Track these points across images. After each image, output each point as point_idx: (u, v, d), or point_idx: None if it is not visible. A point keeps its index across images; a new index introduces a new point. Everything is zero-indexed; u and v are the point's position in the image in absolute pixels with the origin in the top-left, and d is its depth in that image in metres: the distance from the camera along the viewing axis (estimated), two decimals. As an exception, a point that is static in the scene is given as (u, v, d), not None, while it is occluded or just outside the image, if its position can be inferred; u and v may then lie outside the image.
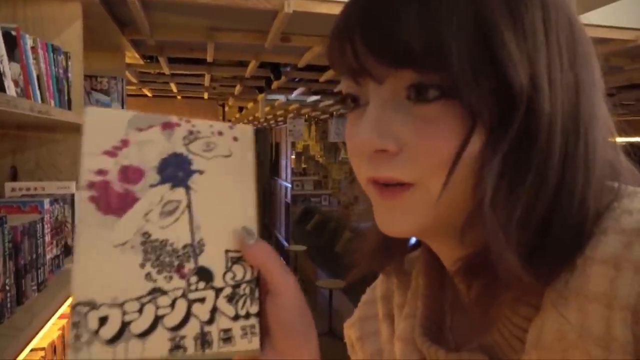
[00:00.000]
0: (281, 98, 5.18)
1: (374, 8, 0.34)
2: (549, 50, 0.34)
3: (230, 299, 0.37)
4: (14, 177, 1.50)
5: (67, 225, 1.40)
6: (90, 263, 0.34)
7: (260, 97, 4.32)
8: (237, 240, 0.38)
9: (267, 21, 2.07)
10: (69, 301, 1.27)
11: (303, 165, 9.54)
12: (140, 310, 0.35)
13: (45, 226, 1.22)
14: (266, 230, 9.80)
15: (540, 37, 0.34)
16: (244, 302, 0.38)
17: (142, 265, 0.35)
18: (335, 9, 1.75)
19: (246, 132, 0.40)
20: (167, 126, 0.38)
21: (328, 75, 3.37)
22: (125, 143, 0.36)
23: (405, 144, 0.34)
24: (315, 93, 4.63)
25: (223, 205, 0.38)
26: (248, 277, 0.38)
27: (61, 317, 1.42)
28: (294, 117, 6.89)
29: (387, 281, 0.54)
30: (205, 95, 4.69)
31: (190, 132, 0.38)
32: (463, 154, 0.33)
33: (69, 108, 1.48)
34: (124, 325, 0.34)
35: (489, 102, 0.32)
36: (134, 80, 3.57)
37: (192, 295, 0.36)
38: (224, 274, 0.38)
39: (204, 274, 0.37)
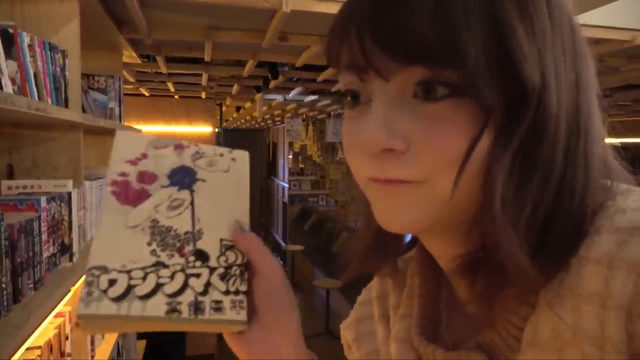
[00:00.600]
0: (279, 98, 5.17)
1: (384, 3, 0.33)
2: (554, 48, 0.34)
3: (223, 277, 0.43)
4: (11, 175, 1.50)
5: (63, 224, 1.40)
6: (107, 238, 0.41)
7: (258, 96, 4.32)
8: (230, 231, 0.44)
9: (265, 20, 2.07)
10: (66, 300, 1.27)
11: (300, 165, 9.54)
12: (144, 278, 0.41)
13: (42, 224, 1.22)
14: (263, 230, 9.78)
15: (548, 35, 0.34)
16: (234, 281, 0.43)
17: (149, 244, 0.42)
18: (334, 8, 1.75)
19: (242, 155, 0.48)
20: (179, 147, 0.46)
21: (326, 74, 3.37)
22: (144, 156, 0.45)
23: (413, 142, 0.34)
24: (312, 93, 4.62)
25: (220, 206, 0.45)
26: (239, 261, 0.44)
27: (57, 315, 1.42)
28: (291, 116, 6.89)
29: (382, 282, 0.54)
30: (203, 95, 4.68)
31: (197, 152, 0.47)
32: (472, 153, 0.33)
33: (66, 106, 1.48)
34: (129, 288, 0.40)
35: (501, 99, 0.32)
36: (131, 79, 3.56)
37: (189, 271, 0.42)
38: (218, 257, 0.43)
39: (201, 255, 0.43)
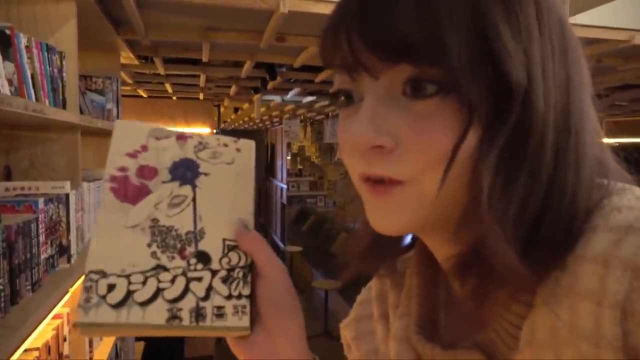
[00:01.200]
0: (277, 99, 5.18)
1: (371, 2, 0.34)
2: (542, 47, 0.34)
3: (225, 280, 0.41)
4: (8, 177, 1.50)
5: (61, 225, 1.40)
6: (105, 239, 0.40)
7: (256, 97, 4.32)
8: (234, 230, 0.43)
9: (262, 21, 2.07)
10: (64, 301, 1.27)
11: (299, 166, 9.54)
12: (144, 282, 0.40)
13: (40, 226, 1.22)
14: (262, 231, 9.76)
15: (535, 34, 0.34)
16: (237, 284, 0.42)
17: (149, 245, 0.41)
18: (331, 9, 1.75)
19: (248, 145, 0.46)
20: (181, 137, 0.44)
21: (324, 75, 3.37)
22: (144, 148, 0.43)
23: (401, 140, 0.34)
24: (310, 94, 4.62)
25: (224, 202, 0.43)
26: (242, 263, 0.42)
27: (55, 317, 1.42)
28: (289, 118, 6.89)
29: (381, 281, 0.54)
30: (201, 96, 4.68)
31: (200, 143, 0.45)
32: (459, 150, 0.33)
33: (64, 108, 1.48)
34: (129, 294, 0.39)
35: (486, 96, 0.32)
36: (129, 80, 3.56)
37: (190, 274, 0.41)
38: (221, 258, 0.42)
39: (203, 257, 0.42)
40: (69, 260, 1.44)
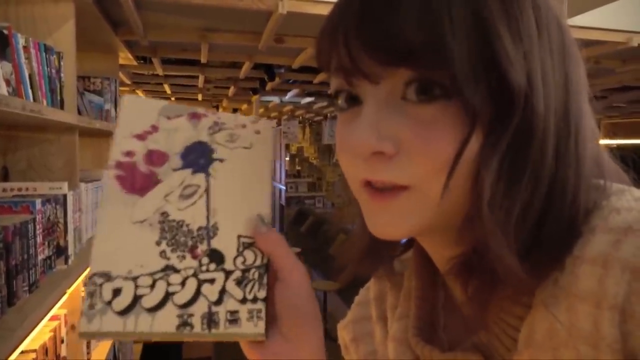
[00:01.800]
0: (275, 100, 5.18)
1: (371, 6, 0.33)
2: (541, 50, 0.34)
3: (239, 282, 0.38)
4: (5, 178, 1.49)
5: (59, 226, 1.39)
6: (110, 237, 0.37)
7: (254, 98, 4.32)
8: (250, 226, 0.40)
9: (261, 22, 2.07)
10: (61, 302, 1.27)
11: (297, 167, 9.54)
12: (152, 286, 0.37)
13: (37, 227, 1.21)
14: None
15: (534, 38, 0.34)
16: (252, 286, 0.38)
17: (158, 243, 0.37)
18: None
19: (267, 126, 0.42)
20: (194, 116, 0.40)
21: (322, 76, 3.37)
22: (155, 128, 0.39)
23: (403, 145, 0.34)
24: (309, 95, 4.63)
25: (239, 193, 0.40)
26: (258, 262, 0.39)
27: (53, 318, 1.41)
28: (288, 118, 6.89)
29: (379, 283, 0.54)
30: (199, 97, 4.68)
31: (216, 123, 0.40)
32: (461, 155, 0.33)
33: (62, 108, 1.47)
34: (136, 299, 0.36)
35: (487, 101, 0.32)
36: (127, 81, 3.56)
37: (202, 276, 0.38)
38: (235, 257, 0.39)
39: (216, 256, 0.38)
40: (66, 262, 1.43)
